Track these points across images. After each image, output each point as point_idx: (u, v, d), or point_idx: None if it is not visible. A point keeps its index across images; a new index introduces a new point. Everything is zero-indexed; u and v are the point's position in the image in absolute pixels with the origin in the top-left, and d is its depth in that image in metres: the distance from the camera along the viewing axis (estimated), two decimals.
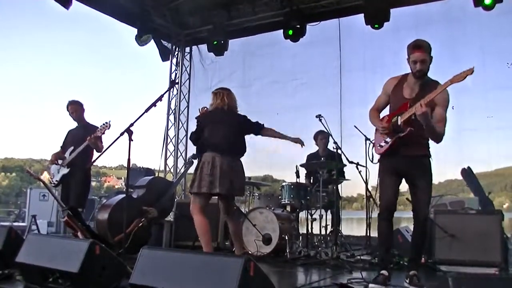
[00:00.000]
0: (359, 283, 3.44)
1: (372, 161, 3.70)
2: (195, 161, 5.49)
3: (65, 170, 5.17)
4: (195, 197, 4.09)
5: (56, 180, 5.24)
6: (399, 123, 3.34)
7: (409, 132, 3.28)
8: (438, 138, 3.32)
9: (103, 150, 5.04)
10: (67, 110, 5.34)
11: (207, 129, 4.20)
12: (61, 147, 5.39)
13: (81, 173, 5.15)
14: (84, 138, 5.03)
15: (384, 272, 3.34)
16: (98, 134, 4.94)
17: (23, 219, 8.34)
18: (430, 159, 3.45)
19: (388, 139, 3.41)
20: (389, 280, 3.32)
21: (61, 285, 2.82)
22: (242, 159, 4.29)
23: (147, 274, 2.48)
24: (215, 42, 8.05)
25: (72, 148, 5.19)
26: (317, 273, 4.08)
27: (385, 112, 3.64)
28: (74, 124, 5.43)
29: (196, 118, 4.42)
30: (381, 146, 3.46)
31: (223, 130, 4.15)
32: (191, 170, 5.85)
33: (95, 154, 5.18)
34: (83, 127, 5.31)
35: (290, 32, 7.28)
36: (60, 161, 5.24)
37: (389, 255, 3.60)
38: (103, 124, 4.96)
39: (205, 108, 4.37)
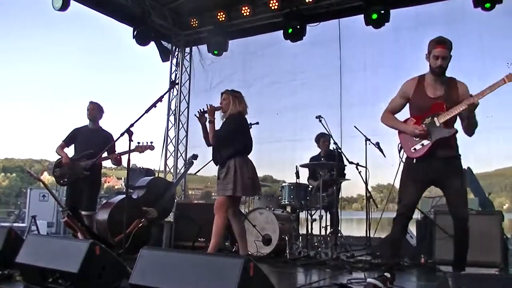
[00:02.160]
0: (359, 283, 3.43)
1: (401, 160, 3.56)
2: (195, 162, 5.53)
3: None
4: (228, 198, 4.11)
5: (65, 180, 5.15)
6: (437, 124, 3.24)
7: (454, 133, 3.26)
8: (475, 130, 3.34)
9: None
10: (87, 108, 5.29)
11: (247, 135, 4.34)
12: (64, 141, 5.25)
13: (94, 176, 5.12)
14: (103, 144, 4.91)
15: (386, 274, 3.25)
16: (138, 151, 4.86)
17: (23, 220, 8.34)
18: (461, 159, 3.37)
19: (425, 142, 3.26)
20: (391, 284, 3.23)
21: (61, 286, 2.82)
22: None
23: (147, 274, 2.49)
24: (216, 52, 8.11)
25: (91, 151, 5.03)
26: (317, 273, 4.08)
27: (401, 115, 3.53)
28: (78, 123, 5.39)
29: (239, 122, 4.28)
30: (415, 150, 3.30)
31: (251, 137, 4.38)
32: (192, 170, 5.86)
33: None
34: (97, 131, 5.24)
35: (290, 30, 7.23)
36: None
37: (394, 260, 3.47)
38: (147, 145, 4.89)
39: (212, 105, 4.34)
